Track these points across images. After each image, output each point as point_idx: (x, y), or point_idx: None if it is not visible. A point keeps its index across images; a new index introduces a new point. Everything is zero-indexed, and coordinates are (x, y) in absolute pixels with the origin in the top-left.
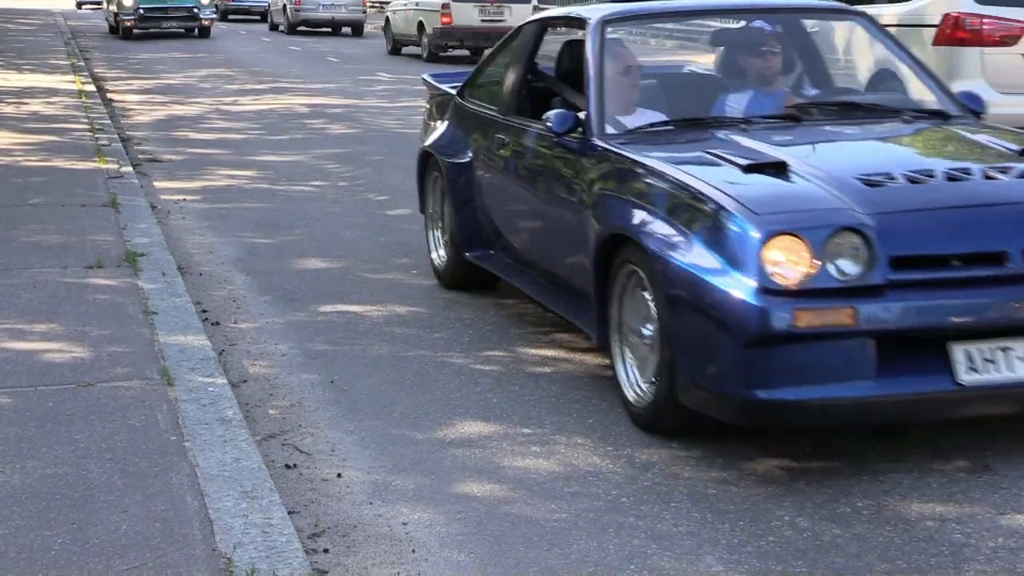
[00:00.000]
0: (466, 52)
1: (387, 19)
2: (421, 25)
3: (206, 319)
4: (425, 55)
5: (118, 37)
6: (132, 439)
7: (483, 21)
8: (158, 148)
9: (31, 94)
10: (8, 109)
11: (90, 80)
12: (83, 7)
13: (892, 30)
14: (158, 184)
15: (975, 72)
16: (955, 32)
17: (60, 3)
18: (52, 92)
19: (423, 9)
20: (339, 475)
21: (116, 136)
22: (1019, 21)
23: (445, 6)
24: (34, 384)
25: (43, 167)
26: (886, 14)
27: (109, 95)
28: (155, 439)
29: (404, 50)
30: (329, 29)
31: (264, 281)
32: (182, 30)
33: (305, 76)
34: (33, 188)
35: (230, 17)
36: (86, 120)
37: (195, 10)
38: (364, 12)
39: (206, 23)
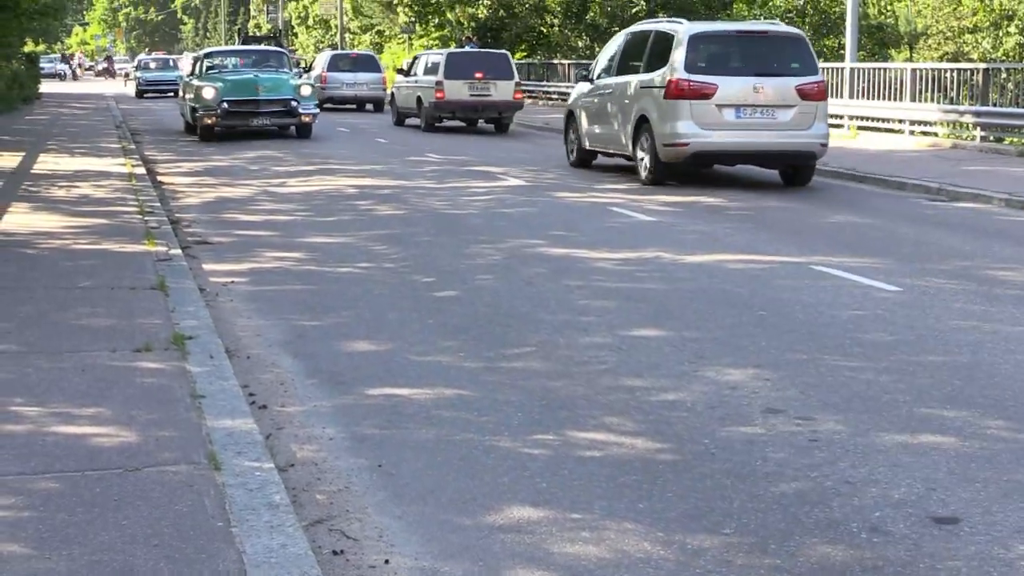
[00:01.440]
0: (459, 123)
1: (392, 95)
2: (420, 100)
3: (253, 402)
4: (423, 126)
5: (195, 138)
6: (179, 525)
7: (471, 95)
8: (207, 230)
9: (82, 177)
10: (60, 193)
11: (140, 163)
12: (146, 95)
13: (644, 90)
14: (206, 266)
15: (686, 116)
16: (675, 90)
17: (113, 86)
18: (103, 175)
19: (421, 86)
20: (386, 561)
21: (165, 219)
22: (713, 84)
23: (439, 83)
24: (82, 469)
25: (93, 250)
26: (642, 80)
27: (159, 178)
28: (202, 525)
29: (407, 121)
30: (354, 106)
31: (311, 364)
32: (275, 127)
33: (355, 157)
34: (83, 271)
35: None
36: (135, 203)
37: (293, 103)
38: (383, 90)
39: (307, 119)
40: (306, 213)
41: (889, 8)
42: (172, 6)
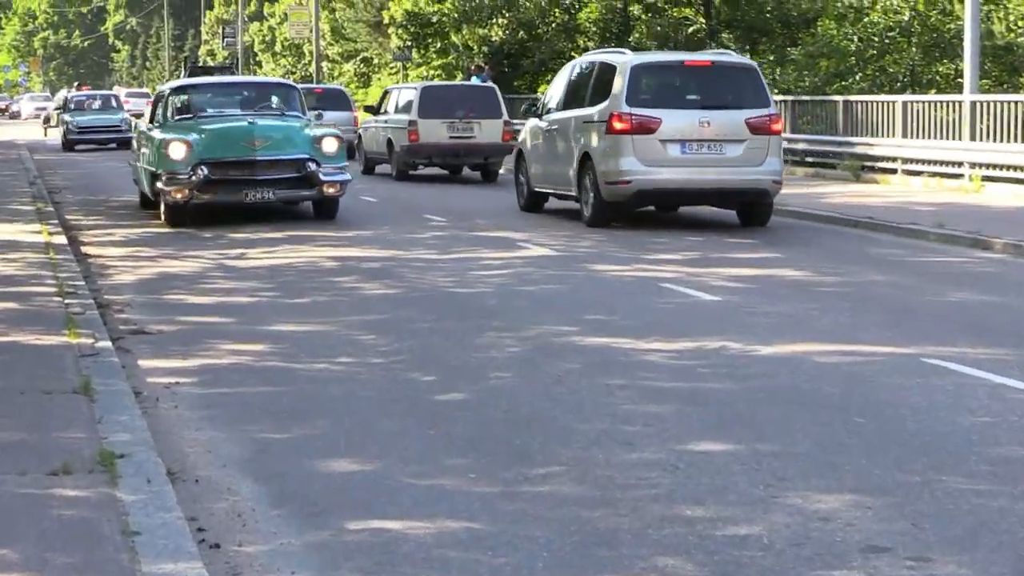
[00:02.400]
0: (437, 170)
1: (359, 136)
2: (390, 142)
3: (203, 540)
4: (394, 173)
5: (154, 216)
6: None
7: (451, 138)
8: (144, 316)
9: None
10: None
11: (60, 229)
12: (79, 146)
13: (586, 124)
14: (144, 363)
15: (628, 152)
16: (615, 125)
17: (27, 132)
18: (11, 246)
19: (392, 127)
20: None
21: (91, 301)
22: (656, 118)
23: (412, 123)
24: None
25: None
26: (585, 115)
27: (84, 248)
28: None
29: (377, 168)
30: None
31: (277, 489)
32: (281, 203)
33: (332, 221)
34: None
35: None
36: (53, 281)
37: (309, 165)
38: (354, 132)
39: (331, 190)
40: (272, 293)
41: (1021, 24)
42: (102, 29)
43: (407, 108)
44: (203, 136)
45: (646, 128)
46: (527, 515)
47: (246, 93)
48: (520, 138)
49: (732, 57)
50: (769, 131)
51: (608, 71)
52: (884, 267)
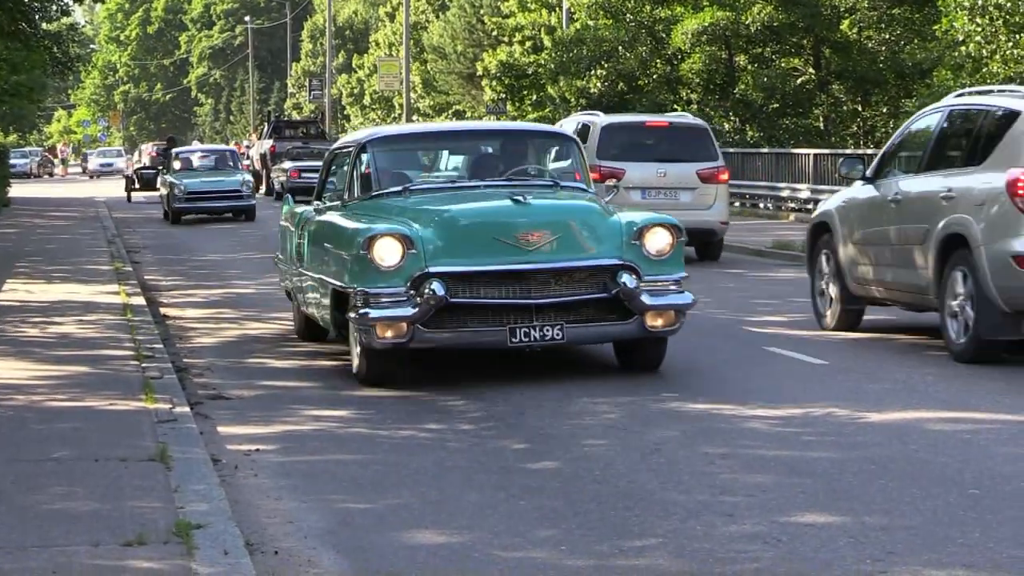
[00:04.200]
0: None
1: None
2: None
3: None
4: None
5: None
6: None
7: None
8: (224, 380)
9: (61, 310)
10: (31, 331)
11: (138, 290)
12: (187, 216)
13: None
14: (223, 430)
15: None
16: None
17: (106, 189)
18: (89, 307)
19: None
20: None
21: (170, 365)
22: (621, 169)
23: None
24: None
25: (72, 408)
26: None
27: (163, 310)
28: None
29: None
30: None
31: (360, 562)
32: (570, 345)
33: None
34: (59, 436)
35: (298, 198)
36: (131, 344)
37: (624, 276)
38: None
39: (661, 323)
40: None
41: None
42: (184, 82)
43: None
44: (433, 225)
45: (613, 177)
46: None
47: (488, 149)
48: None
49: (687, 119)
50: (717, 180)
51: (585, 130)
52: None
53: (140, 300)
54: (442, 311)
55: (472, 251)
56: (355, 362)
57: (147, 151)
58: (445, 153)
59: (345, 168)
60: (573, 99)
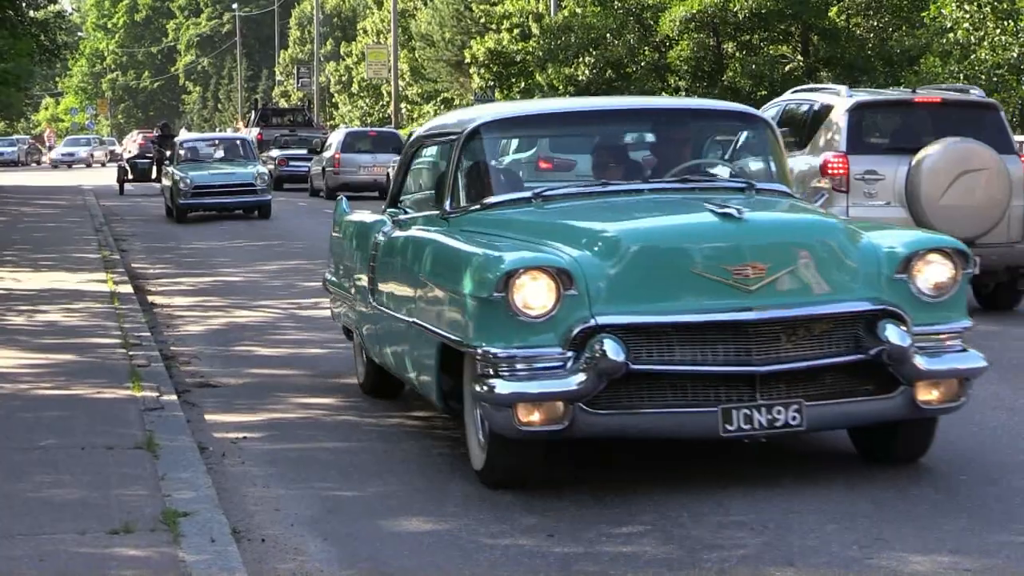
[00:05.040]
0: None
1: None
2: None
3: None
4: None
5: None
6: None
7: None
8: (211, 368)
9: (48, 298)
10: (17, 320)
11: (126, 278)
12: (193, 213)
13: None
14: (210, 418)
15: None
16: None
17: (92, 177)
18: (76, 295)
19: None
20: None
21: (157, 353)
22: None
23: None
24: None
25: (59, 396)
26: None
27: (150, 298)
28: None
29: None
30: (375, 193)
31: (347, 549)
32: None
33: None
34: (45, 425)
35: (285, 186)
36: (118, 332)
37: (886, 329)
38: None
39: (936, 398)
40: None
41: None
42: (172, 70)
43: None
44: (598, 253)
45: None
46: None
47: (648, 136)
48: None
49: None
50: None
51: None
52: None
53: (127, 288)
54: (618, 383)
55: (660, 292)
56: (474, 452)
57: (134, 139)
58: (574, 141)
59: (440, 164)
60: (561, 87)
